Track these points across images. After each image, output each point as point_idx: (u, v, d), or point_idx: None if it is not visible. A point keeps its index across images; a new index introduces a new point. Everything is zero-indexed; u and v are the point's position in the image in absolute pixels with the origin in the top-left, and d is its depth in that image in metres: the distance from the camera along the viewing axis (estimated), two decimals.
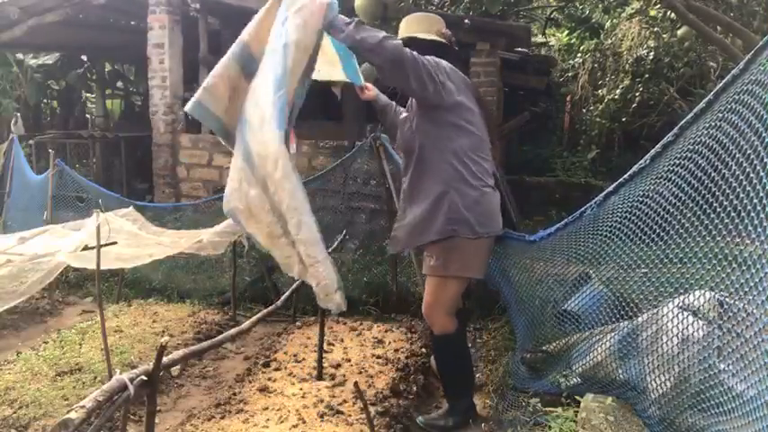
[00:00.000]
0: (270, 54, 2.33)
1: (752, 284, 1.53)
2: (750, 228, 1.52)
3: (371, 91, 3.04)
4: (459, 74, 2.77)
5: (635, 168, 2.13)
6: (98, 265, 3.21)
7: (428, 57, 2.57)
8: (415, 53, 2.47)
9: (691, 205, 1.83)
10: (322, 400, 3.22)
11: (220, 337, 2.19)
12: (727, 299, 1.80)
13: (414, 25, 2.87)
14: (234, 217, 2.43)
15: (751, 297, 1.53)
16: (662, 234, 2.00)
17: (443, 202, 2.71)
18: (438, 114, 2.70)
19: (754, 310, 1.53)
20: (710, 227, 1.74)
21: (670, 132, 1.96)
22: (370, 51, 2.41)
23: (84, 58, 10.26)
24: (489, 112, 2.93)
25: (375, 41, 2.38)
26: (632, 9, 6.91)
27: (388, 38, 2.41)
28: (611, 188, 2.28)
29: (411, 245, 3.02)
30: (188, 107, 2.47)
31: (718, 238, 1.72)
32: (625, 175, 2.19)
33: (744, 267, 1.57)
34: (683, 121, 1.89)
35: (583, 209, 2.45)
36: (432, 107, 2.68)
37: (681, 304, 2.04)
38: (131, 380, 1.60)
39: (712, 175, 1.73)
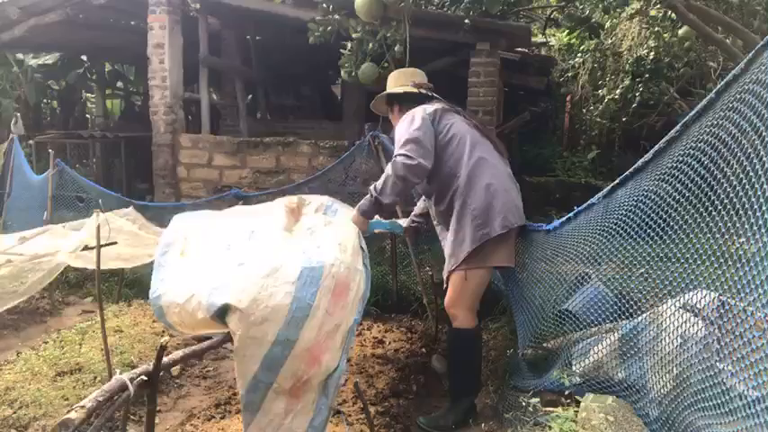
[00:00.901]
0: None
1: (745, 282, 1.53)
2: (747, 226, 1.52)
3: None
4: (434, 108, 2.97)
5: (640, 163, 2.15)
6: (98, 265, 3.20)
7: (413, 127, 2.83)
8: (411, 162, 2.76)
9: (694, 202, 1.83)
10: None
11: (220, 337, 2.19)
12: (728, 298, 1.80)
13: (392, 82, 3.23)
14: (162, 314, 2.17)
15: (745, 294, 1.53)
16: (667, 229, 2.01)
17: (466, 213, 2.86)
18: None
19: (751, 308, 1.53)
20: (711, 224, 1.74)
21: (672, 130, 1.97)
22: (396, 198, 2.85)
23: (84, 58, 10.25)
24: (476, 117, 3.24)
25: (392, 195, 2.79)
26: (632, 9, 6.90)
27: (396, 177, 2.76)
28: (617, 181, 2.31)
29: (452, 264, 2.97)
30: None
31: (717, 236, 1.71)
32: (630, 169, 2.22)
33: (738, 265, 1.58)
34: (686, 118, 1.90)
35: (591, 200, 2.50)
36: None
37: (681, 303, 2.04)
38: (131, 380, 1.60)
39: (715, 172, 1.73)
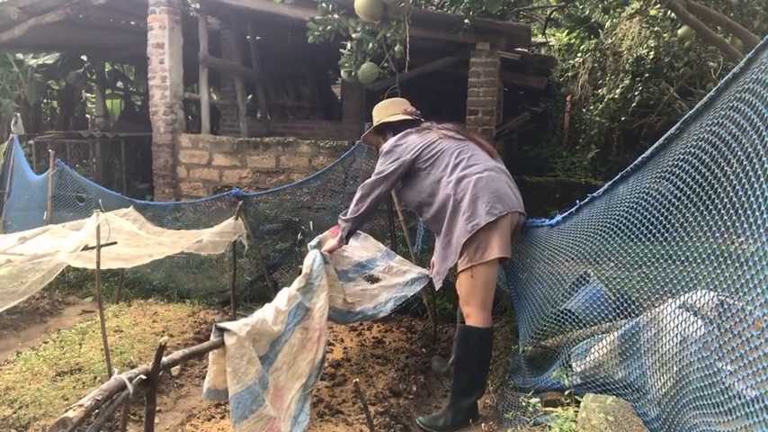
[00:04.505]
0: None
1: (744, 281, 1.53)
2: (745, 226, 1.52)
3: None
4: (412, 135, 3.21)
5: (640, 159, 2.16)
6: (98, 264, 3.20)
7: (387, 161, 3.16)
8: (373, 187, 3.16)
9: (694, 200, 1.83)
10: (322, 400, 3.22)
11: (219, 338, 2.19)
12: (726, 298, 1.80)
13: (383, 112, 3.46)
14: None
15: (743, 294, 1.53)
16: (668, 227, 2.00)
17: (457, 212, 2.96)
18: (406, 178, 3.19)
19: (750, 308, 1.53)
20: (711, 223, 1.74)
21: (673, 127, 1.97)
22: (363, 219, 3.27)
23: (84, 58, 10.25)
24: (456, 126, 3.34)
25: (356, 221, 3.22)
26: (632, 9, 6.90)
27: (359, 208, 3.18)
28: (619, 176, 2.32)
29: (447, 264, 3.08)
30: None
31: (717, 235, 1.71)
32: (631, 165, 2.23)
33: (737, 264, 1.57)
34: (686, 116, 1.90)
35: (593, 194, 2.52)
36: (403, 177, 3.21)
37: (681, 304, 2.03)
38: (130, 379, 1.60)
39: (716, 171, 1.73)
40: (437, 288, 3.31)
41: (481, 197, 2.92)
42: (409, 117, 3.39)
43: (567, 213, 2.76)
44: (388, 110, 3.46)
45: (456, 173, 3.01)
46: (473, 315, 3.01)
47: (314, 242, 3.35)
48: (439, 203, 3.05)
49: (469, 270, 2.96)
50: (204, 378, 3.62)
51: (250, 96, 9.44)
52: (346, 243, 3.36)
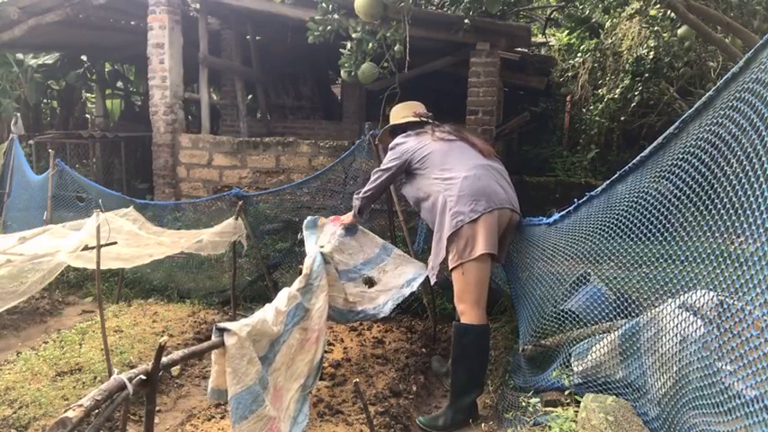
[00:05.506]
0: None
1: (743, 281, 1.53)
2: (745, 226, 1.52)
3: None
4: (411, 137, 3.36)
5: (638, 159, 2.16)
6: (98, 264, 3.20)
7: (391, 158, 3.37)
8: (378, 177, 3.43)
9: (694, 200, 1.83)
10: (322, 400, 3.22)
11: (219, 338, 2.19)
12: (726, 298, 1.80)
13: (397, 115, 3.66)
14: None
15: (743, 294, 1.53)
16: (670, 228, 2.00)
17: (446, 209, 3.05)
18: (407, 175, 3.38)
19: (749, 308, 1.53)
20: (711, 223, 1.74)
21: (672, 127, 1.97)
22: (370, 200, 3.54)
23: (84, 58, 10.25)
24: (452, 126, 3.46)
25: (364, 200, 3.52)
26: (632, 9, 6.90)
27: (367, 190, 3.49)
28: (617, 175, 2.32)
29: (439, 259, 3.15)
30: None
31: (717, 235, 1.71)
32: (629, 164, 2.23)
33: (737, 264, 1.57)
34: (685, 115, 1.90)
35: (591, 193, 2.52)
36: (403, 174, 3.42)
37: (681, 304, 2.03)
38: (130, 379, 1.60)
39: (715, 171, 1.73)
40: (432, 283, 3.36)
41: (466, 195, 3.01)
42: (415, 119, 3.53)
43: (564, 212, 2.76)
44: (401, 112, 3.65)
45: (445, 173, 3.13)
46: (467, 312, 3.04)
47: (309, 219, 3.55)
48: (431, 201, 3.18)
49: (460, 267, 3.02)
50: (204, 378, 3.65)
51: (250, 96, 9.44)
52: (361, 217, 3.65)
